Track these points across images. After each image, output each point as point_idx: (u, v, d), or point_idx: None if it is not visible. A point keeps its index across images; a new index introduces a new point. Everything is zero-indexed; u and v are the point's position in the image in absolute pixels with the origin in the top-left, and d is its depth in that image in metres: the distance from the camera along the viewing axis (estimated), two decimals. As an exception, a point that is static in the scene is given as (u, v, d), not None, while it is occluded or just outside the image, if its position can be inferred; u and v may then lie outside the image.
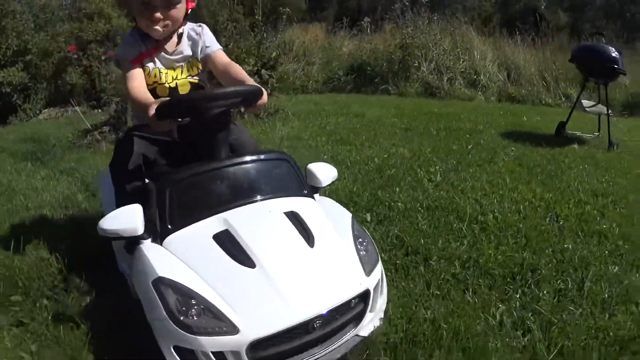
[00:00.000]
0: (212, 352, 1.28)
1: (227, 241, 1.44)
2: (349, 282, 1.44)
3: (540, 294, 2.05)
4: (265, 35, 6.67)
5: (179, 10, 1.91)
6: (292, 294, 1.35)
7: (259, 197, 1.59)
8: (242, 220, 1.48)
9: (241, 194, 1.58)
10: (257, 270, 1.38)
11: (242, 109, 1.48)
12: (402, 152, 4.16)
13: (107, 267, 2.07)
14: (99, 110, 5.51)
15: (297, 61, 9.38)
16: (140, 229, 1.47)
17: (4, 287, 1.96)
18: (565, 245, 2.51)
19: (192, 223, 1.50)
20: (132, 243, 1.57)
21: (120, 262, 1.87)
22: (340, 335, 1.46)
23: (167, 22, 1.89)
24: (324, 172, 1.67)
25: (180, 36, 2.02)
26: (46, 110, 7.33)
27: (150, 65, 1.96)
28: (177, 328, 1.29)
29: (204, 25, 2.08)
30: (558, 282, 2.17)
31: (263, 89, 1.71)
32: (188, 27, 2.04)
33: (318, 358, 1.41)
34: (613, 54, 4.85)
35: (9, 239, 2.36)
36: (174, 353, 1.31)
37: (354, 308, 1.47)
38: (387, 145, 4.45)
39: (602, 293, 2.08)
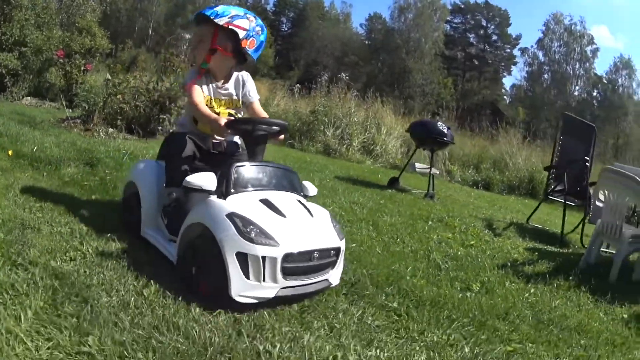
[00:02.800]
0: (262, 257, 2.01)
1: (267, 204, 2.20)
2: (332, 239, 2.27)
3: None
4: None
5: (204, 46, 2.66)
6: (305, 235, 2.16)
7: (282, 188, 2.38)
8: (275, 196, 2.26)
9: (272, 183, 2.37)
10: (287, 219, 2.17)
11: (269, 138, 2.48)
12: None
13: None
14: (70, 110, 6.69)
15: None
16: (214, 187, 2.20)
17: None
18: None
19: (244, 191, 2.25)
20: (198, 197, 2.32)
21: (145, 227, 2.60)
22: (322, 273, 2.22)
23: (197, 53, 2.70)
24: (312, 188, 2.50)
25: (230, 77, 2.75)
26: (28, 97, 8.68)
27: (205, 91, 2.67)
28: (242, 239, 2.00)
29: (249, 75, 2.82)
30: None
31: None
32: (237, 72, 2.77)
33: (309, 284, 2.15)
34: (440, 128, 6.00)
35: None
36: (235, 257, 2.00)
37: (331, 257, 2.25)
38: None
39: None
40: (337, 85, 11.32)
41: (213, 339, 1.75)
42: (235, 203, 2.14)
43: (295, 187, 2.44)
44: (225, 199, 2.18)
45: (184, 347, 1.68)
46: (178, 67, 6.76)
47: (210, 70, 2.68)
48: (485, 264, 3.29)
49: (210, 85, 2.67)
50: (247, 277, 1.98)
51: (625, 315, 2.70)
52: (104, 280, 2.07)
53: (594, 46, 40.88)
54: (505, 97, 45.77)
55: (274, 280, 2.02)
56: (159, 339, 1.70)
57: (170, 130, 2.83)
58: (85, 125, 5.92)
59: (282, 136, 2.52)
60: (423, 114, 13.70)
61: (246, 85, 2.76)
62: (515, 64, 45.31)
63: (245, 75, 2.78)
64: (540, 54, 41.71)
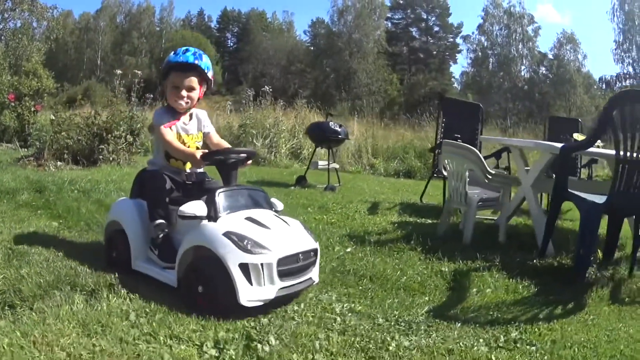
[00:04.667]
0: (260, 264, 2.27)
1: (252, 220, 2.47)
2: (309, 242, 2.56)
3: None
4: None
5: (195, 94, 2.91)
6: (289, 241, 2.45)
7: (258, 206, 2.66)
8: (256, 213, 2.54)
9: (250, 203, 2.65)
10: (271, 230, 2.45)
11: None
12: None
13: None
14: (25, 149, 7.53)
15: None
16: (205, 212, 2.44)
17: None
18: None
19: (230, 213, 2.49)
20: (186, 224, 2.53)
21: (137, 260, 2.76)
22: (307, 272, 2.50)
23: (188, 100, 2.88)
24: (279, 204, 2.82)
25: (191, 115, 3.02)
26: None
27: (174, 129, 2.90)
28: (242, 252, 2.26)
29: (205, 112, 3.14)
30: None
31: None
32: (196, 111, 3.06)
33: (296, 284, 2.43)
34: (333, 128, 6.72)
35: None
36: (238, 268, 2.25)
37: (311, 257, 2.54)
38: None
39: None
40: (263, 98, 11.82)
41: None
42: (227, 223, 2.41)
43: (268, 204, 2.76)
44: (216, 221, 2.43)
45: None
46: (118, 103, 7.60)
47: (179, 111, 2.96)
48: (334, 234, 3.79)
49: (178, 124, 2.94)
50: (251, 283, 2.27)
51: (445, 269, 3.11)
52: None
53: (535, 25, 42.20)
54: (455, 85, 46.94)
55: (272, 282, 2.32)
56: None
57: (143, 169, 3.12)
58: (37, 162, 6.67)
59: (249, 161, 2.84)
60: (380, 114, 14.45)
61: (203, 120, 3.09)
62: (459, 52, 46.54)
63: (200, 112, 3.10)
64: (482, 39, 42.84)
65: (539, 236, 3.59)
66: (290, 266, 2.40)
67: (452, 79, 47.73)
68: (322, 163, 7.11)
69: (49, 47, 26.13)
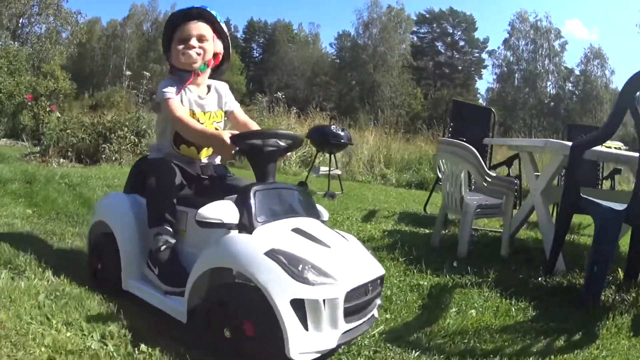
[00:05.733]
0: (323, 301, 1.61)
1: (303, 233, 1.82)
2: (376, 266, 1.91)
3: None
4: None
5: (209, 46, 2.26)
6: (355, 265, 1.81)
7: (304, 214, 2.00)
8: (305, 223, 1.89)
9: (294, 209, 1.99)
10: (333, 249, 1.80)
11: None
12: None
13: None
14: (34, 147, 7.79)
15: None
16: (236, 220, 1.77)
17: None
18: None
19: (269, 221, 1.83)
20: (217, 233, 1.82)
21: (129, 279, 2.12)
22: (372, 307, 1.88)
23: (200, 51, 2.21)
24: (325, 212, 2.17)
25: (209, 87, 2.35)
26: (4, 139, 9.70)
27: (186, 103, 2.22)
28: (296, 282, 1.59)
29: (226, 85, 2.44)
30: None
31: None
32: (215, 82, 2.38)
33: (361, 324, 1.78)
34: (335, 131, 6.29)
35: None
36: (290, 306, 1.58)
37: (378, 287, 1.90)
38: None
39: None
40: (277, 105, 11.52)
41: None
42: (269, 237, 1.75)
43: (314, 210, 2.08)
44: (251, 233, 1.77)
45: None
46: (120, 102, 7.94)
47: (193, 79, 2.27)
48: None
49: (191, 97, 2.25)
50: (306, 328, 1.60)
51: (424, 283, 2.61)
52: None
53: (562, 40, 41.31)
54: (480, 101, 46.13)
55: (335, 325, 1.65)
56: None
57: (143, 157, 2.48)
58: (42, 158, 6.81)
59: (290, 151, 2.12)
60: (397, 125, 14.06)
61: (225, 95, 2.40)
62: (485, 67, 45.79)
63: (219, 84, 2.41)
64: (508, 54, 42.08)
65: (547, 250, 3.06)
66: (357, 301, 1.74)
67: (478, 95, 46.88)
68: (324, 169, 6.63)
69: (74, 52, 26.77)
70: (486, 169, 3.32)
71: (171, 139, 2.26)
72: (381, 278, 1.91)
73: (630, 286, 2.74)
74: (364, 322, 1.80)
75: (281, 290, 1.59)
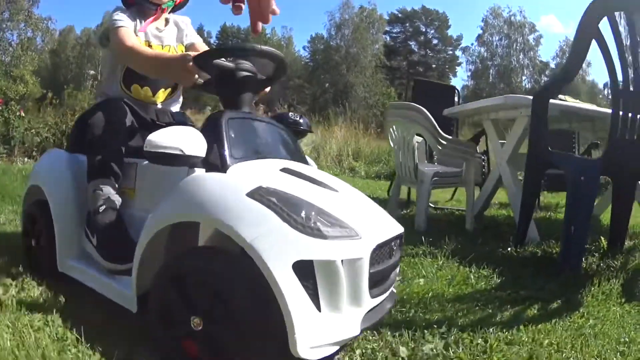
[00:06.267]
0: (341, 262, 1.12)
1: (297, 174, 1.34)
2: (394, 222, 1.42)
3: None
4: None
5: None
6: (377, 217, 1.36)
7: (291, 156, 1.56)
8: (296, 166, 1.43)
9: (278, 148, 1.58)
10: (341, 194, 1.34)
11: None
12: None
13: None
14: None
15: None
16: (203, 152, 1.28)
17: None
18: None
19: (252, 159, 1.38)
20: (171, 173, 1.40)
21: (65, 258, 1.68)
22: (394, 277, 1.42)
23: None
24: (310, 160, 1.77)
25: (167, 20, 2.04)
26: None
27: (142, 35, 1.90)
28: (301, 234, 1.09)
29: (188, 19, 2.13)
30: None
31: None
32: (174, 16, 2.09)
33: (384, 300, 1.32)
34: (294, 118, 5.71)
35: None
36: (293, 272, 1.07)
37: (399, 249, 1.42)
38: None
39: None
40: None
41: None
42: (250, 175, 1.28)
43: (302, 156, 1.65)
44: (225, 172, 1.29)
45: None
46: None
47: (158, 14, 1.97)
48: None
49: (148, 28, 1.93)
50: (318, 307, 1.10)
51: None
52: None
53: (537, 33, 41.43)
54: (455, 99, 46.14)
55: (358, 301, 1.16)
56: None
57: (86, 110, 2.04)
58: (9, 158, 6.84)
59: (268, 88, 1.70)
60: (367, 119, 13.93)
61: (185, 28, 2.08)
62: (459, 64, 45.75)
63: (179, 17, 2.09)
64: (482, 50, 42.11)
65: (517, 219, 2.65)
66: (383, 266, 1.25)
67: (459, 97, 46.96)
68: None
69: (47, 60, 26.59)
70: (440, 132, 2.91)
71: (121, 78, 1.91)
72: (401, 238, 1.41)
73: (616, 253, 2.37)
74: (386, 298, 1.30)
75: (278, 248, 1.07)
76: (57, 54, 35.93)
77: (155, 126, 1.82)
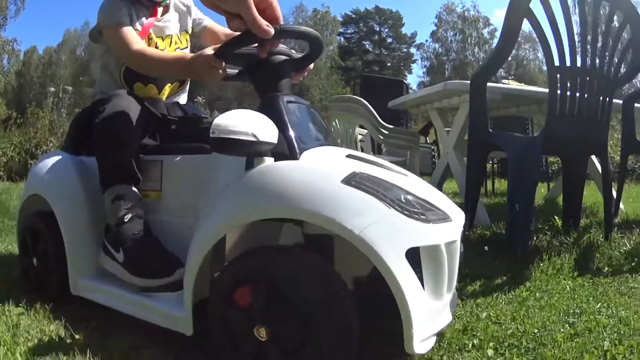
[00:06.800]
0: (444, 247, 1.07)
1: (364, 160, 1.24)
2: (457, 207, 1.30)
3: None
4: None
5: None
6: (447, 202, 1.25)
7: (334, 142, 1.42)
8: (353, 152, 1.32)
9: (326, 135, 1.41)
10: (411, 178, 1.25)
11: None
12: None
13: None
14: None
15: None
16: (276, 138, 1.13)
17: None
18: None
19: (316, 146, 1.25)
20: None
21: (80, 278, 1.48)
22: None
23: None
24: None
25: (167, 7, 1.81)
26: None
27: (139, 28, 1.68)
28: (414, 220, 1.03)
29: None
30: None
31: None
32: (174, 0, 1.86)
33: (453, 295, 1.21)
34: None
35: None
36: (406, 261, 0.99)
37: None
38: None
39: None
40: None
41: None
42: (331, 162, 1.19)
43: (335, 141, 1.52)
44: (297, 159, 1.18)
45: None
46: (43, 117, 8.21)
47: (161, 9, 1.76)
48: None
49: (144, 18, 1.70)
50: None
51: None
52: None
53: (491, 27, 42.19)
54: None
55: (451, 286, 1.13)
56: None
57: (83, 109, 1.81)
58: None
59: (311, 65, 1.48)
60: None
61: (190, 10, 1.86)
62: (414, 61, 46.33)
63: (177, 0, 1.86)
64: (436, 46, 42.74)
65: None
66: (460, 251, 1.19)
67: (410, 90, 47.55)
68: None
69: (14, 81, 26.81)
70: (382, 122, 2.85)
71: (121, 76, 1.70)
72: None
73: (569, 231, 2.37)
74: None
75: (390, 237, 0.98)
76: (22, 74, 36.34)
77: (167, 122, 1.68)
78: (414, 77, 48.70)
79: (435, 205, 1.12)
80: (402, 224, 1.01)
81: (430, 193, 1.20)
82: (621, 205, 3.36)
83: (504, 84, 3.33)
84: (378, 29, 47.52)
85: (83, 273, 1.48)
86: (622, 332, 1.35)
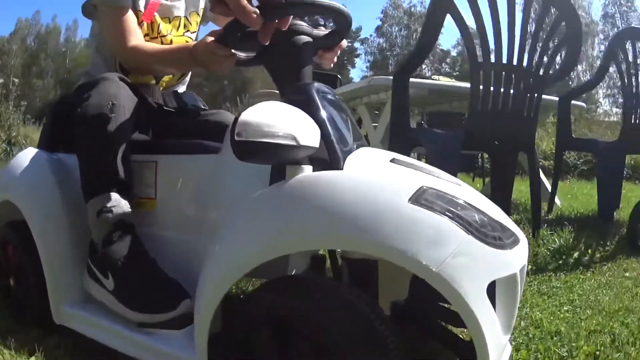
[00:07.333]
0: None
1: (407, 164, 1.00)
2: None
3: None
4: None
5: None
6: (504, 215, 1.01)
7: (362, 139, 1.16)
8: (394, 155, 1.07)
9: (356, 131, 1.11)
10: (464, 187, 1.01)
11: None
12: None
13: None
14: None
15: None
16: (318, 141, 0.87)
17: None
18: None
19: (355, 149, 0.99)
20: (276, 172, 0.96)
21: (62, 304, 1.19)
22: None
23: None
24: None
25: None
26: None
27: (142, 7, 1.42)
28: (493, 248, 0.83)
29: None
30: None
31: None
32: None
33: None
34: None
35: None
36: (486, 296, 0.80)
37: None
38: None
39: None
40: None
41: None
42: (382, 173, 0.95)
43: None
44: (341, 168, 0.92)
45: None
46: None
47: None
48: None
49: None
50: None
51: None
52: None
53: (438, 22, 43.07)
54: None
55: (513, 313, 0.92)
56: None
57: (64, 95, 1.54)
58: None
59: (344, 42, 1.18)
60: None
61: None
62: (358, 56, 46.65)
63: None
64: (381, 41, 43.15)
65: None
66: None
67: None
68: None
69: None
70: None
71: (115, 62, 1.44)
72: None
73: None
74: None
75: (471, 271, 0.79)
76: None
77: (163, 113, 1.44)
78: (357, 71, 48.92)
79: (505, 225, 0.95)
80: (482, 254, 0.83)
81: (492, 207, 1.02)
82: (558, 202, 3.41)
83: (433, 79, 3.32)
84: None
85: (66, 298, 1.20)
86: (530, 335, 1.31)
